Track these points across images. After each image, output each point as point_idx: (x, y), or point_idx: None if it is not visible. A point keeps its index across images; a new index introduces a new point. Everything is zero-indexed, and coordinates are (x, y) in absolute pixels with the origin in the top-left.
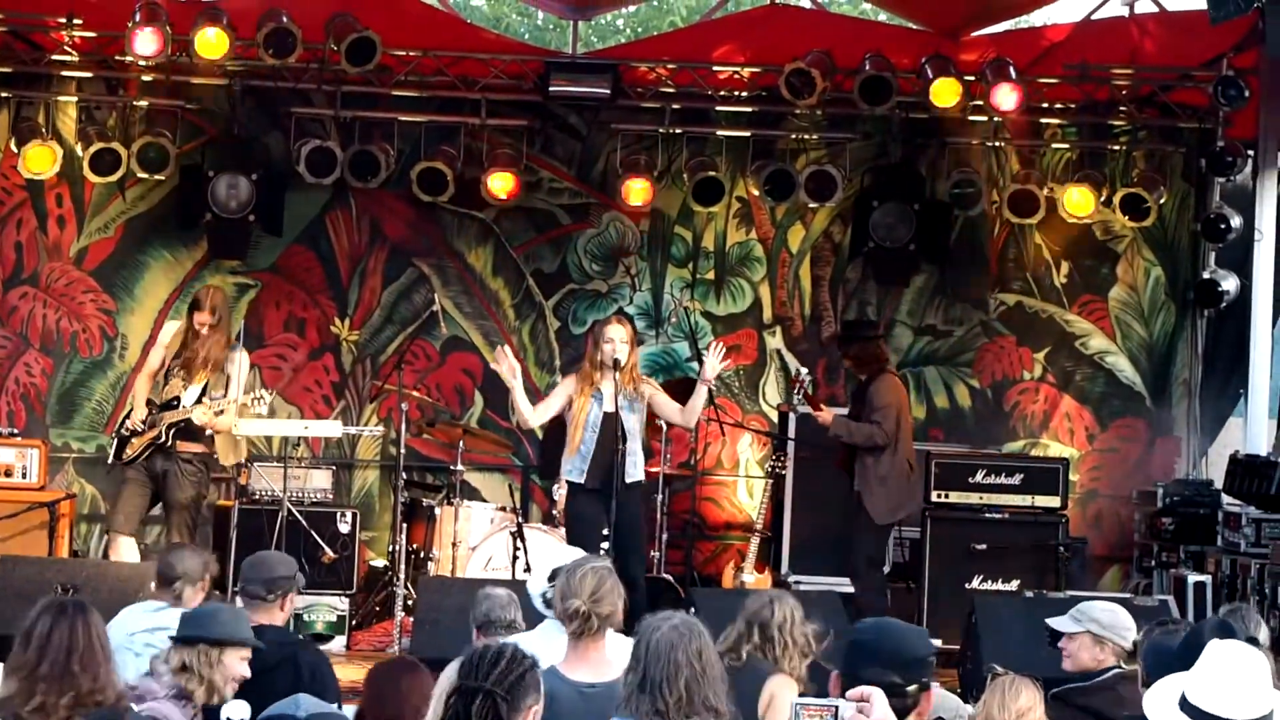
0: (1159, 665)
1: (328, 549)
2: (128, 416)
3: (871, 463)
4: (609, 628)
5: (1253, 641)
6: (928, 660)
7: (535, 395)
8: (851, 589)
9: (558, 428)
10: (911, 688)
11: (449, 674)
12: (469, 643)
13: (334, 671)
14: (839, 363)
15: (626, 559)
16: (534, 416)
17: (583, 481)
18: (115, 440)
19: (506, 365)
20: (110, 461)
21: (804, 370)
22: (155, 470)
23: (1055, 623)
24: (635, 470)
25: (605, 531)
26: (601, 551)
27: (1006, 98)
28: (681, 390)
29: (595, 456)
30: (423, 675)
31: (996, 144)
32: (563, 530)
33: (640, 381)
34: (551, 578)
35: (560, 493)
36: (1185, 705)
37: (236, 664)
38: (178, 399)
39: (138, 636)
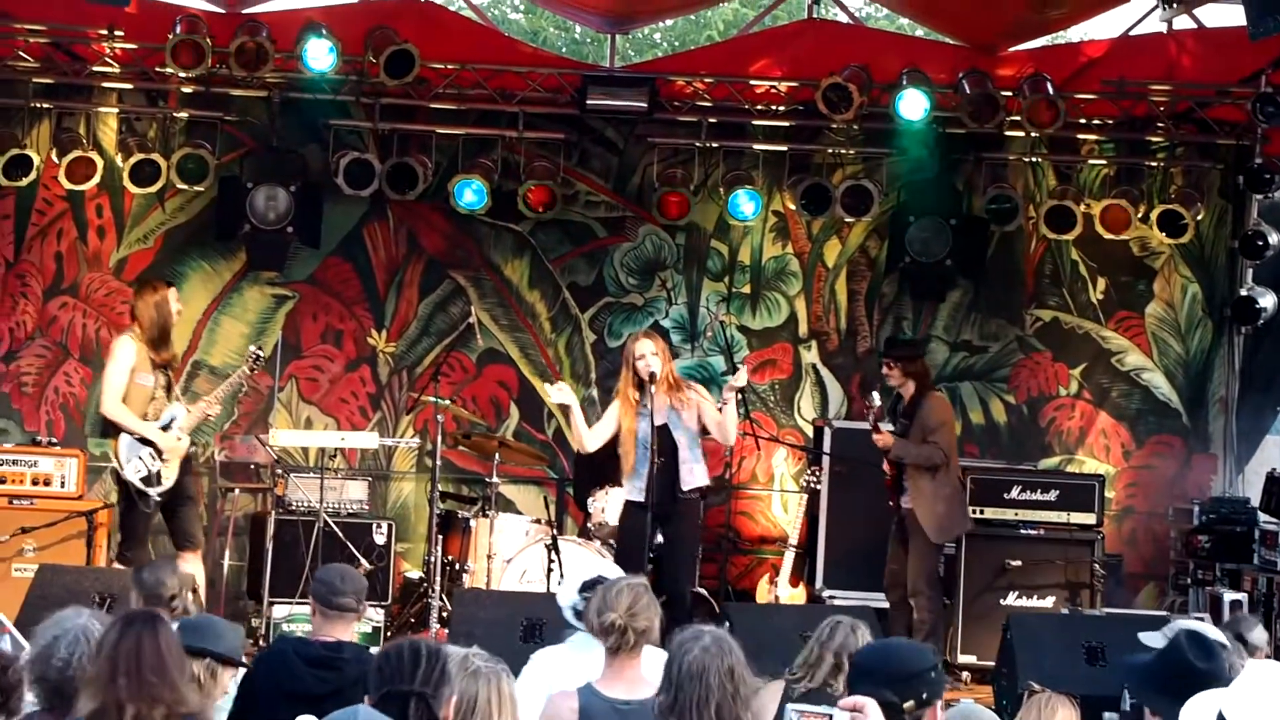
0: (1138, 682)
1: (363, 560)
2: (148, 447)
3: (928, 483)
4: (646, 644)
5: (1240, 639)
6: (923, 673)
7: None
8: (886, 604)
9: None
10: (907, 705)
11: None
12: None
13: None
14: (874, 379)
15: (676, 573)
16: (589, 439)
17: (641, 499)
18: (146, 478)
19: (560, 393)
20: (155, 501)
21: (875, 394)
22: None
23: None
24: (691, 478)
25: (659, 540)
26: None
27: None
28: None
29: (650, 472)
30: None
31: (1033, 159)
32: (597, 543)
33: (684, 387)
34: (582, 589)
35: (595, 505)
36: None
37: (230, 680)
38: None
39: None
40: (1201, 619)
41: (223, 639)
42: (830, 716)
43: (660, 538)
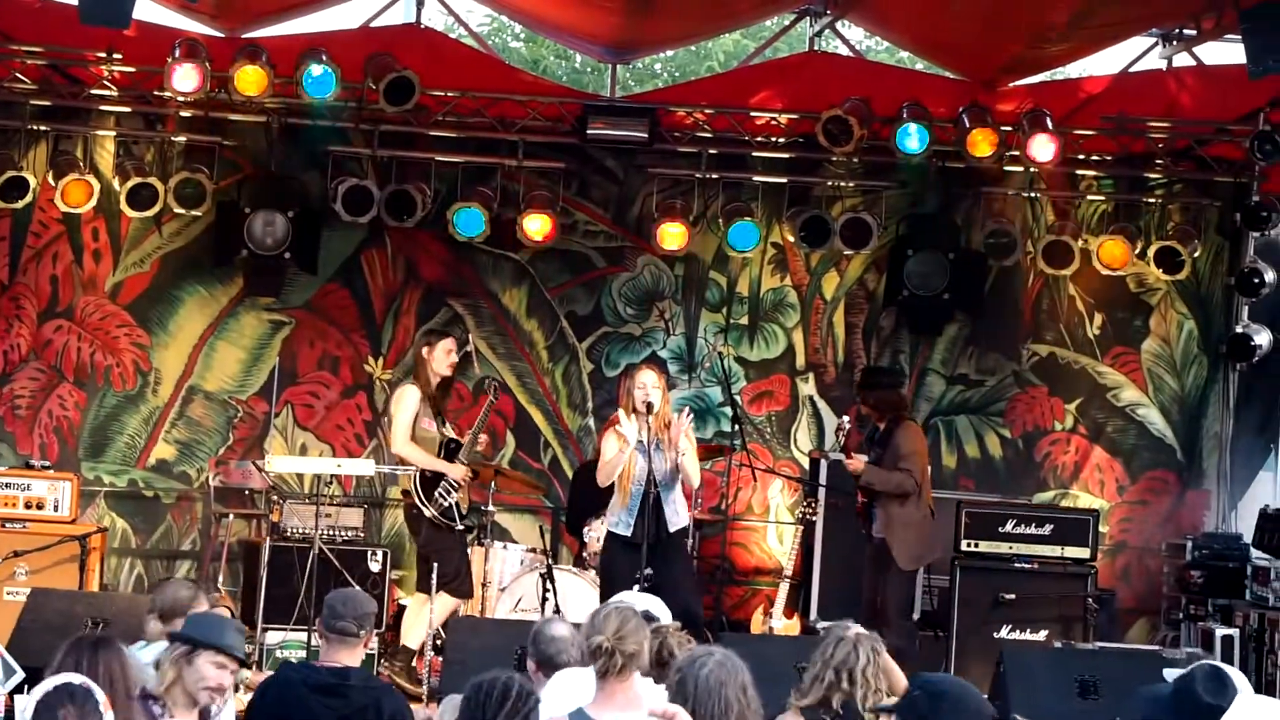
0: (1148, 714)
1: (358, 587)
2: (436, 484)
3: (898, 510)
4: (635, 668)
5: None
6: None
7: (567, 437)
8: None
9: (587, 471)
10: None
11: (451, 708)
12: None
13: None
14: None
15: (684, 598)
16: (608, 478)
17: (629, 534)
18: (444, 508)
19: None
20: (460, 531)
21: (845, 418)
22: None
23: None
24: (676, 519)
25: (644, 573)
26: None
27: (1043, 148)
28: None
29: (640, 508)
30: None
31: (1032, 194)
32: (592, 573)
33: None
34: None
35: (590, 535)
36: None
37: (210, 670)
38: (454, 442)
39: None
40: (1195, 654)
41: (197, 627)
42: None
43: (649, 571)
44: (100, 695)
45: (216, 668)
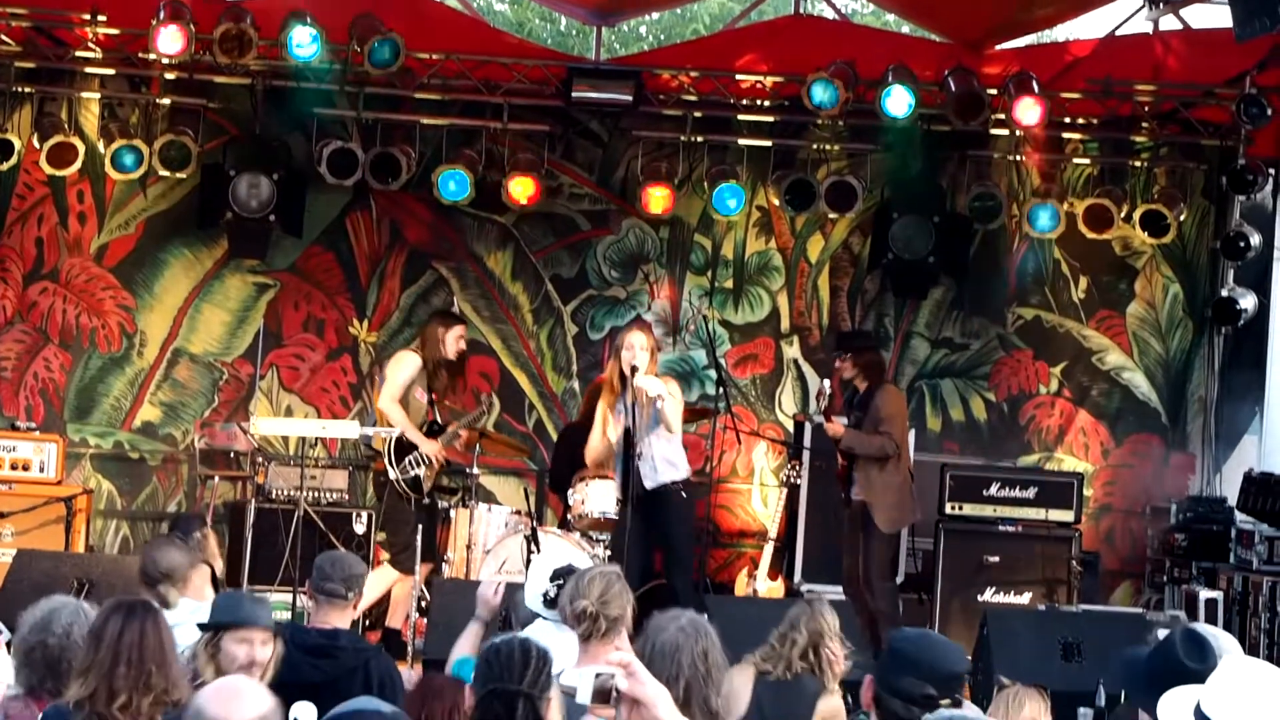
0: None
1: (343, 550)
2: (409, 452)
3: (878, 473)
4: (619, 631)
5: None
6: (962, 676)
7: (551, 400)
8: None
9: (571, 432)
10: (944, 701)
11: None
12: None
13: (404, 682)
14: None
15: (668, 567)
16: (604, 443)
17: (621, 496)
18: (410, 477)
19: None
20: (417, 502)
21: (826, 382)
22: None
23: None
24: (655, 475)
25: (600, 554)
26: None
27: (1029, 112)
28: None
29: (625, 469)
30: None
31: (1017, 158)
32: (576, 534)
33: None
34: (554, 578)
35: (575, 497)
36: (1200, 715)
37: (237, 649)
38: (438, 423)
39: None
40: (1177, 617)
41: (216, 611)
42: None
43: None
44: None
45: (238, 643)
